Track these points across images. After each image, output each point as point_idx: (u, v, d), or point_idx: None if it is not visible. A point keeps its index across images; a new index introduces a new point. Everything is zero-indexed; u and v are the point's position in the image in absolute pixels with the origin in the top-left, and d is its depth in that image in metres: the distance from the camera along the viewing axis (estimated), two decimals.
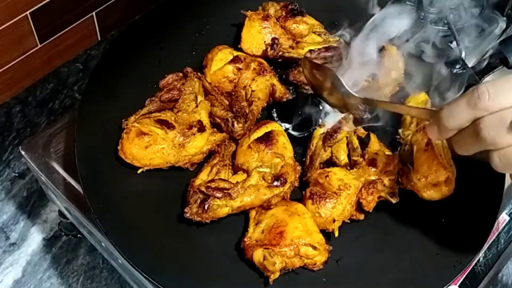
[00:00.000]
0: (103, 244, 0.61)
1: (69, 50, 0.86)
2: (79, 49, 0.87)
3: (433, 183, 0.56)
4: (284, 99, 0.64)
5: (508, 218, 0.66)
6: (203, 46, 0.66)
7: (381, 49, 0.63)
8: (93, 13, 0.85)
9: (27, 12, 0.75)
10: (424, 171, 0.57)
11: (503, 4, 0.81)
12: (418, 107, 0.57)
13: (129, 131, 0.57)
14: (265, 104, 0.63)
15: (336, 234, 0.55)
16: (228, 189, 0.54)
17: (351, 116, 0.62)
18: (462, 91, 0.63)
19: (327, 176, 0.56)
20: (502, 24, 0.81)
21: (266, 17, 0.66)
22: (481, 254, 0.62)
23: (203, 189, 0.54)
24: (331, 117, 0.63)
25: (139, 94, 0.62)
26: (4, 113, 0.82)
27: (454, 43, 0.72)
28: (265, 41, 0.66)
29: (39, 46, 0.81)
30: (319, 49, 0.65)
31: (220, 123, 0.61)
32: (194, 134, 0.58)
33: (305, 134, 0.62)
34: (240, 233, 0.56)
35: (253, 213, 0.56)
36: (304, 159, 0.61)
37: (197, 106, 0.60)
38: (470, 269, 0.61)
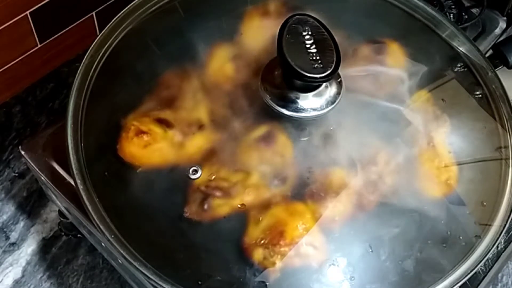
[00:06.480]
0: (103, 244, 0.61)
1: (69, 50, 0.86)
2: (79, 49, 0.87)
3: (434, 183, 0.56)
4: None
5: None
6: (203, 44, 0.66)
7: (382, 45, 0.63)
8: (93, 13, 0.85)
9: (27, 12, 0.75)
10: (425, 170, 0.57)
11: (503, 4, 0.81)
12: None
13: (128, 130, 0.57)
14: None
15: (336, 234, 0.55)
16: (228, 188, 0.54)
17: None
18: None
19: (328, 175, 0.56)
20: (502, 24, 0.81)
21: (266, 14, 0.66)
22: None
23: (203, 188, 0.54)
24: None
25: (138, 92, 0.61)
26: (4, 113, 0.82)
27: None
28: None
29: (39, 46, 0.81)
30: None
31: (220, 122, 0.61)
32: (193, 133, 0.58)
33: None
34: (240, 233, 0.56)
35: (253, 213, 0.56)
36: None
37: (196, 105, 0.60)
38: None
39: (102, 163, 0.58)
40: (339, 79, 0.59)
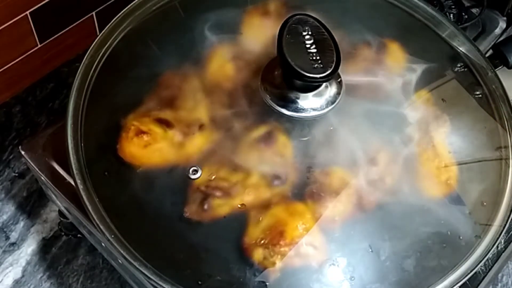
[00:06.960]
0: (103, 244, 0.61)
1: (69, 50, 0.86)
2: (79, 49, 0.87)
3: (434, 183, 0.56)
4: None
5: None
6: (203, 44, 0.66)
7: (382, 45, 0.63)
8: (93, 13, 0.85)
9: (27, 12, 0.75)
10: (425, 170, 0.57)
11: (503, 4, 0.81)
12: None
13: (128, 130, 0.57)
14: None
15: (336, 234, 0.55)
16: (228, 188, 0.54)
17: None
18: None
19: (328, 175, 0.56)
20: (502, 24, 0.81)
21: (266, 13, 0.66)
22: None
23: (203, 188, 0.54)
24: None
25: (138, 92, 0.61)
26: (4, 113, 0.82)
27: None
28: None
29: (39, 46, 0.81)
30: None
31: (220, 122, 0.61)
32: (193, 133, 0.58)
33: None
34: (240, 233, 0.56)
35: (253, 213, 0.56)
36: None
37: (196, 105, 0.60)
38: None
39: (102, 163, 0.58)
40: (339, 79, 0.59)
